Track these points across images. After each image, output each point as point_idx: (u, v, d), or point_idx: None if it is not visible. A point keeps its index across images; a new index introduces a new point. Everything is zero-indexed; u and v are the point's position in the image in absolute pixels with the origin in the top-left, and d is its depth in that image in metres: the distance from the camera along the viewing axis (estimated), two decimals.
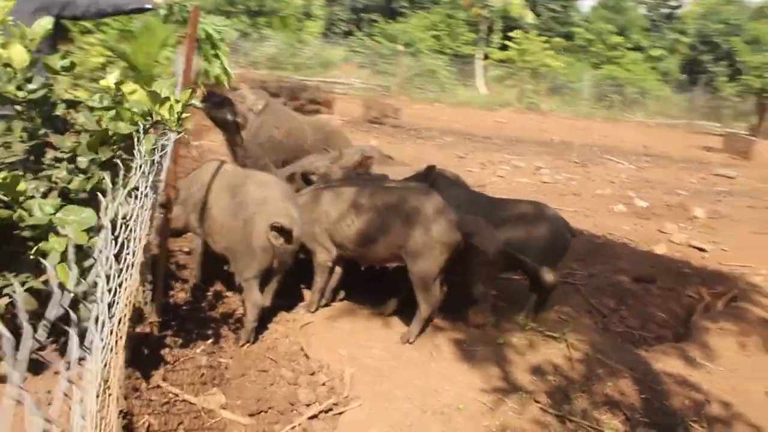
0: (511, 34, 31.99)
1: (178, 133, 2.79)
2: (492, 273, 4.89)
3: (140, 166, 2.46)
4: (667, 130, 27.14)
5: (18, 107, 2.61)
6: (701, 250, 8.20)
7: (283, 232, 4.03)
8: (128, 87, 2.57)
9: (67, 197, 2.57)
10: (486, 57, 34.19)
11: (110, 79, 2.70)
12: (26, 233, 2.43)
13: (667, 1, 48.19)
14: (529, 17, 34.38)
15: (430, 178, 5.06)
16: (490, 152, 14.51)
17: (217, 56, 5.44)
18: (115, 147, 2.64)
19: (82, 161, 2.59)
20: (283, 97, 15.82)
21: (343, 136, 7.30)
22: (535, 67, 29.18)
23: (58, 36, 4.29)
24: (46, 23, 2.77)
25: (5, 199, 2.46)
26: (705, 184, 13.97)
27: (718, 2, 42.78)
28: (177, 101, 2.61)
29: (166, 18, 4.74)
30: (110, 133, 2.57)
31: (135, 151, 2.50)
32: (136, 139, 2.55)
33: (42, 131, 2.64)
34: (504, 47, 32.92)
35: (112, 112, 2.58)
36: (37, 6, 3.96)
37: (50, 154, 2.60)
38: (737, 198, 12.45)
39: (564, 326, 4.89)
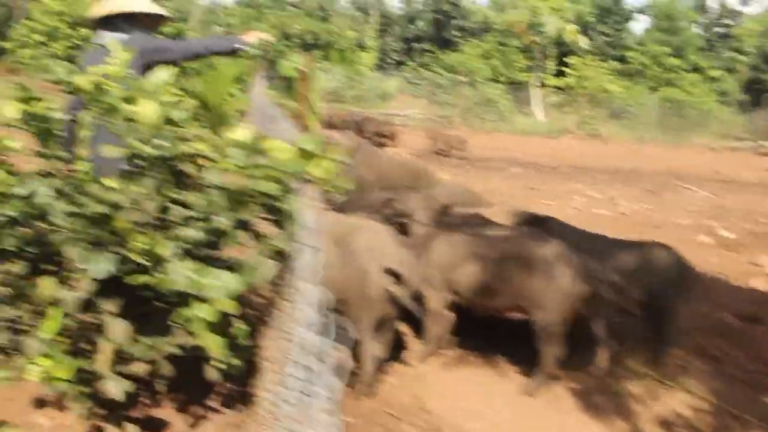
0: (567, 60, 31.74)
1: (331, 193, 2.62)
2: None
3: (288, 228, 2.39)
4: (733, 153, 26.49)
5: (146, 164, 2.56)
6: None
7: (398, 278, 3.94)
8: (269, 143, 2.48)
9: (197, 258, 2.51)
10: (542, 84, 34.05)
11: (240, 133, 2.60)
12: (162, 297, 2.43)
13: (721, 19, 47.46)
14: (583, 42, 34.15)
15: (541, 223, 4.96)
16: (560, 182, 14.32)
17: (282, 54, 5.33)
18: (255, 207, 2.55)
19: (220, 221, 2.49)
20: (351, 131, 15.91)
21: (431, 175, 7.25)
22: (594, 92, 28.86)
23: None
24: (165, 76, 2.78)
25: (144, 262, 2.41)
26: None
27: None
28: (329, 158, 2.44)
29: (256, 57, 4.63)
30: (249, 191, 2.47)
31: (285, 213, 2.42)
32: (280, 199, 2.45)
33: (171, 189, 2.59)
34: (560, 73, 32.76)
35: (253, 170, 2.45)
36: (139, 55, 3.93)
37: (179, 211, 2.53)
38: None
39: (680, 372, 4.71)
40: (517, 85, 33.20)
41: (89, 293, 2.49)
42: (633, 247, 4.98)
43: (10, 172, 2.58)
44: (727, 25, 46.51)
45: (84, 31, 26.84)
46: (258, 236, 2.60)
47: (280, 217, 2.47)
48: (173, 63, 4.25)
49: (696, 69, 40.35)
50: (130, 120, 2.50)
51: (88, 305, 2.55)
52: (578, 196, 12.69)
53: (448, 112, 26.13)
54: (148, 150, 2.48)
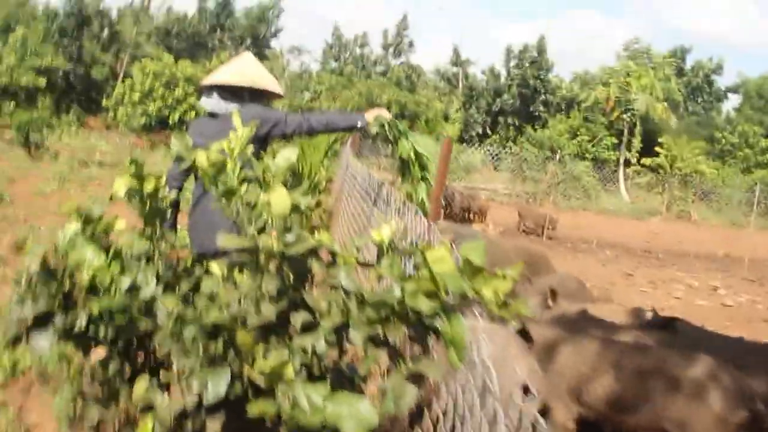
0: (660, 138, 31.22)
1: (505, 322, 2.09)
2: None
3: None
4: None
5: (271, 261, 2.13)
6: None
7: (528, 391, 3.76)
8: (433, 253, 1.96)
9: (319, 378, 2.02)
10: (627, 162, 33.56)
11: (385, 232, 2.18)
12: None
13: None
14: (672, 122, 33.67)
15: (671, 327, 4.73)
16: (656, 268, 13.89)
17: (425, 179, 5.17)
18: (402, 325, 2.03)
19: (355, 336, 2.05)
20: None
21: (548, 263, 7.08)
22: (686, 173, 28.22)
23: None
24: (290, 155, 2.36)
25: (264, 384, 1.96)
26: None
27: None
28: (505, 277, 1.96)
29: (376, 136, 4.52)
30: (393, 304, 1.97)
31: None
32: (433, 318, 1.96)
33: (294, 290, 2.15)
34: (647, 152, 32.23)
35: (410, 285, 1.96)
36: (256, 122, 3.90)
37: (303, 318, 2.06)
38: None
39: None
40: (603, 162, 32.82)
41: (190, 404, 2.06)
42: None
43: (116, 255, 2.23)
44: None
45: (178, 91, 28.06)
46: (399, 357, 2.09)
47: (428, 338, 2.02)
48: (285, 137, 4.12)
49: None
50: (251, 206, 2.20)
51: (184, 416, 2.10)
52: (677, 283, 12.26)
53: (534, 188, 25.87)
54: (276, 246, 2.09)
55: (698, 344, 4.35)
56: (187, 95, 28.05)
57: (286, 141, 5.20)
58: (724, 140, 39.66)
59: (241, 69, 4.09)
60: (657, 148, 30.90)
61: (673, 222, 24.77)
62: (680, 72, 42.37)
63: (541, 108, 42.65)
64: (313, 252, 2.17)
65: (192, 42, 45.03)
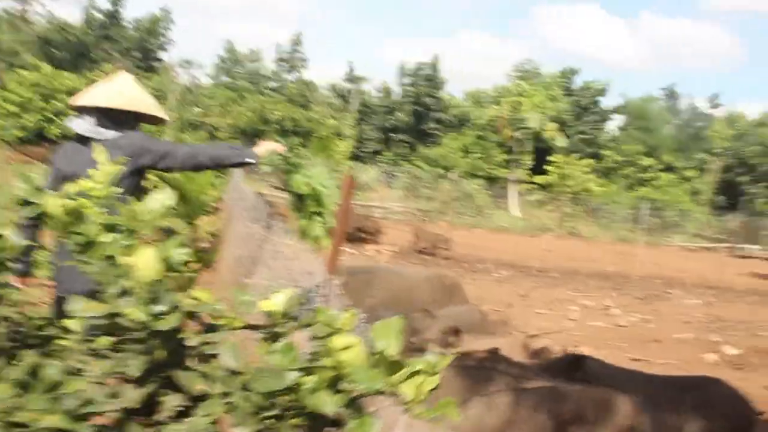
0: (550, 158, 31.88)
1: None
2: None
3: None
4: (710, 254, 26.46)
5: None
6: None
7: None
8: (339, 340, 1.54)
9: None
10: (518, 180, 34.16)
11: (276, 301, 1.68)
12: None
13: (694, 123, 48.62)
14: (561, 141, 34.55)
15: (580, 366, 4.39)
16: (550, 288, 13.88)
17: (320, 214, 4.72)
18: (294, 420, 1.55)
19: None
20: None
21: (461, 291, 6.71)
22: (576, 191, 28.89)
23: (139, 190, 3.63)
24: (166, 200, 1.94)
25: None
26: None
27: (751, 124, 42.93)
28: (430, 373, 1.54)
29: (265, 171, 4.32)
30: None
31: None
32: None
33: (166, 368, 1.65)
34: (538, 170, 32.91)
35: (309, 378, 1.52)
36: (131, 159, 3.37)
37: (172, 401, 1.58)
38: None
39: None
40: (495, 180, 33.28)
41: None
42: (689, 387, 4.45)
43: None
44: (698, 128, 47.56)
45: (59, 104, 26.58)
46: None
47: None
48: (170, 170, 3.79)
49: (669, 168, 40.92)
50: (111, 260, 1.70)
51: None
52: (571, 304, 12.24)
53: (428, 206, 25.80)
54: (140, 317, 1.59)
55: (610, 382, 4.05)
56: (68, 108, 26.51)
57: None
58: (609, 158, 41.07)
59: (121, 90, 3.65)
60: (547, 167, 31.55)
61: (564, 239, 25.24)
62: (568, 92, 43.66)
63: (434, 125, 42.97)
64: (190, 317, 1.69)
65: (76, 53, 42.86)
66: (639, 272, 17.76)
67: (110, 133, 3.41)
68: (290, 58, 50.40)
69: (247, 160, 3.80)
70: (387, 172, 32.88)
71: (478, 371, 4.08)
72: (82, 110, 3.54)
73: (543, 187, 31.50)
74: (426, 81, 44.06)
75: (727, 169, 40.87)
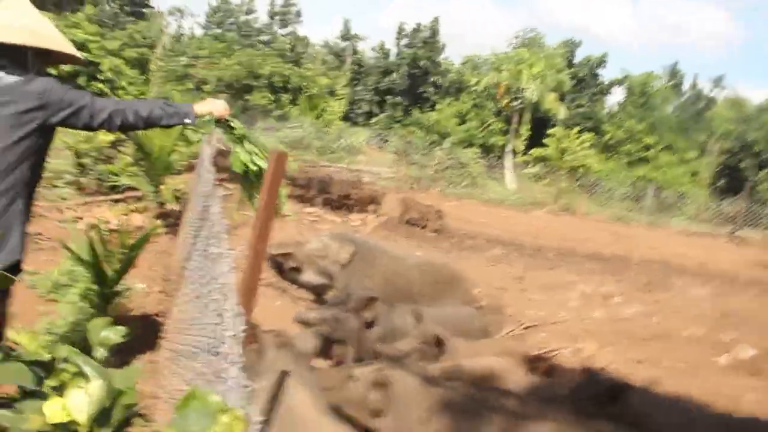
0: (549, 131, 30.79)
1: None
2: None
3: None
4: (711, 241, 25.61)
5: None
6: None
7: None
8: None
9: None
10: (514, 151, 33.19)
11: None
12: None
13: (696, 104, 47.70)
14: (562, 113, 33.50)
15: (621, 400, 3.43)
16: (546, 270, 12.96)
17: (242, 139, 3.74)
18: None
19: None
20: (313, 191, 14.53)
21: (458, 280, 5.80)
22: (574, 166, 27.90)
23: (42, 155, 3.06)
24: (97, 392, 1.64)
25: None
26: None
27: (756, 108, 42.05)
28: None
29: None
30: None
31: None
32: None
33: None
34: (535, 143, 31.87)
35: None
36: (34, 113, 2.80)
37: None
38: None
39: None
40: (490, 149, 32.28)
41: None
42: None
43: None
44: (700, 109, 46.64)
45: None
46: None
47: None
48: (88, 128, 3.13)
49: (669, 148, 40.01)
50: None
51: None
52: (569, 290, 11.32)
53: (419, 173, 24.82)
54: None
55: (662, 420, 3.11)
56: None
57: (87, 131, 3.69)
58: (609, 134, 40.14)
59: (20, 19, 2.93)
60: (545, 140, 30.51)
61: (557, 215, 24.33)
62: (569, 64, 42.48)
63: (431, 90, 41.86)
64: None
65: None
66: (638, 255, 16.85)
67: (13, 79, 2.81)
68: (284, 12, 48.92)
69: (185, 121, 3.29)
70: (379, 135, 31.84)
71: (466, 407, 3.08)
72: None
73: (540, 160, 30.50)
74: (424, 44, 42.83)
75: (728, 153, 40.03)
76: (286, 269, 5.23)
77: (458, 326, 4.63)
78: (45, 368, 1.70)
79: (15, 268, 2.85)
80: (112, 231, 6.44)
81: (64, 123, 2.96)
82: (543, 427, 2.86)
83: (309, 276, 5.22)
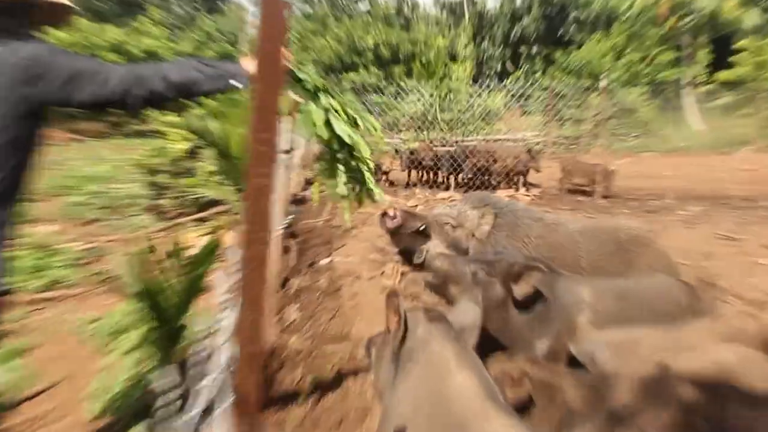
0: (737, 46, 28.66)
1: None
2: None
3: None
4: None
5: None
6: None
7: None
8: None
9: None
10: (696, 82, 31.28)
11: None
12: None
13: None
14: (751, 18, 31.15)
15: None
16: (765, 224, 11.55)
17: (349, 165, 3.51)
18: None
19: None
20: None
21: (652, 248, 4.95)
22: None
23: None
24: None
25: None
26: None
27: None
28: None
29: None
30: None
31: None
32: None
33: None
34: (723, 65, 29.79)
35: None
36: (23, 86, 2.57)
37: None
38: None
39: None
40: (662, 86, 30.52)
41: None
42: None
43: None
44: None
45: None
46: None
47: None
48: (99, 105, 2.73)
49: None
50: None
51: None
52: None
53: (575, 131, 23.67)
54: None
55: None
56: None
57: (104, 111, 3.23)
58: None
59: None
60: (733, 58, 28.42)
61: (766, 152, 22.51)
62: None
63: (573, 28, 40.48)
64: None
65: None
66: None
67: None
68: None
69: (232, 83, 2.97)
70: (519, 96, 30.86)
71: None
72: None
73: (730, 86, 28.41)
74: None
75: None
76: (404, 230, 4.59)
77: (657, 303, 3.80)
78: None
79: None
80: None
81: (64, 100, 2.65)
82: None
83: (437, 248, 4.58)
